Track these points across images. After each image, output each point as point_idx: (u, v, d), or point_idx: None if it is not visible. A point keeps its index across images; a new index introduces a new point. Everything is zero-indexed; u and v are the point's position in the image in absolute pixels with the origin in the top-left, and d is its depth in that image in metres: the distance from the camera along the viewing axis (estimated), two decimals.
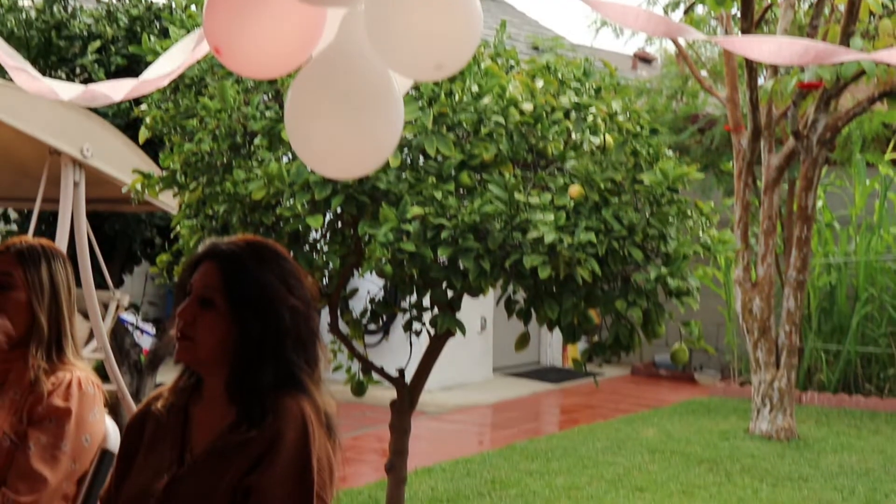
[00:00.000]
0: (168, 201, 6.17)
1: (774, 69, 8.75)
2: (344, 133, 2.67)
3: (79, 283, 6.40)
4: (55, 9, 8.97)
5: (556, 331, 4.29)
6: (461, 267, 4.06)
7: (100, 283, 7.27)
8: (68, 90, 3.74)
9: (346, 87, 2.62)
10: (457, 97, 4.27)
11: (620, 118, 4.48)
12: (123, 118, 7.88)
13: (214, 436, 2.44)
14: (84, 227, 6.75)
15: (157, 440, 2.52)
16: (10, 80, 3.67)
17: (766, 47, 2.40)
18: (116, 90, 3.46)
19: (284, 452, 2.36)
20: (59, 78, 8.18)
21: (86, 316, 6.70)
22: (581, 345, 4.46)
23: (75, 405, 3.00)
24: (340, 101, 2.63)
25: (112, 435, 3.16)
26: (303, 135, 2.73)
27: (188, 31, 4.05)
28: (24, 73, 3.71)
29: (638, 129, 4.49)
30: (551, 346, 13.31)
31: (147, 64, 4.24)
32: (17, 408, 2.99)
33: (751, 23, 8.09)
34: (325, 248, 4.42)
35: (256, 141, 4.40)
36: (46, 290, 3.08)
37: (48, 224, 7.04)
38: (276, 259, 2.53)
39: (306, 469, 2.36)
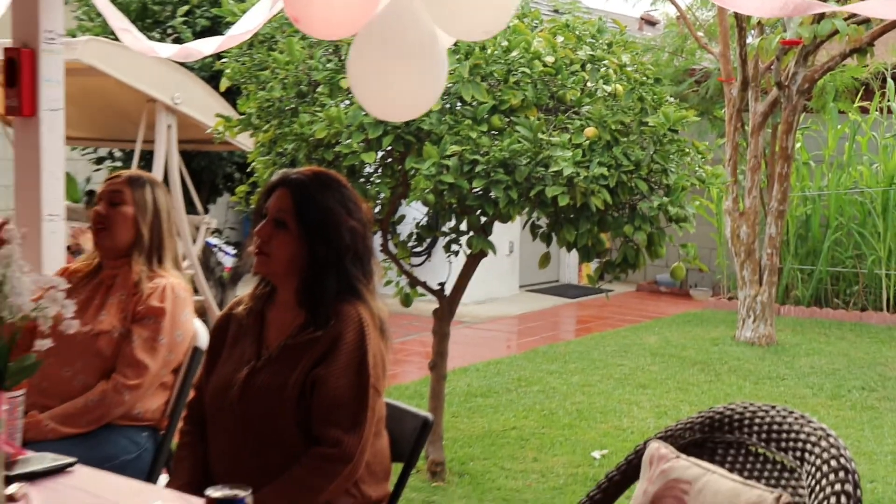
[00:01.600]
0: (245, 141, 6.17)
1: (761, 28, 8.58)
2: (399, 82, 2.68)
3: None
4: None
5: (574, 252, 4.27)
6: (493, 196, 4.04)
7: (190, 211, 7.31)
8: (166, 49, 3.74)
9: (401, 44, 2.60)
10: (489, 51, 4.22)
11: (629, 69, 4.41)
12: (207, 71, 7.84)
13: (286, 335, 2.46)
14: (176, 163, 6.79)
15: (239, 338, 2.54)
16: (115, 39, 3.67)
17: (752, 1, 2.36)
18: (207, 45, 3.48)
19: (345, 350, 2.38)
20: (153, 38, 8.14)
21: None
22: (594, 264, 4.44)
23: (169, 306, 3.06)
24: (396, 56, 2.62)
25: (201, 335, 3.20)
26: (364, 83, 2.72)
27: None
28: (129, 34, 3.70)
29: (644, 79, 4.42)
30: (569, 266, 13.26)
31: (227, 24, 4.22)
32: (123, 307, 3.06)
33: None
34: (377, 181, 4.41)
35: (319, 89, 4.38)
36: (150, 208, 3.15)
37: (147, 161, 7.06)
38: (338, 187, 2.53)
39: (363, 363, 2.38)
